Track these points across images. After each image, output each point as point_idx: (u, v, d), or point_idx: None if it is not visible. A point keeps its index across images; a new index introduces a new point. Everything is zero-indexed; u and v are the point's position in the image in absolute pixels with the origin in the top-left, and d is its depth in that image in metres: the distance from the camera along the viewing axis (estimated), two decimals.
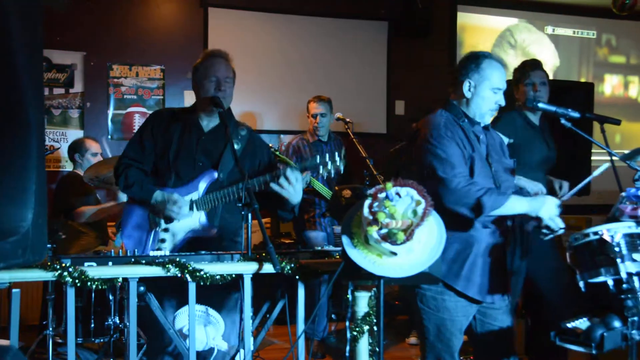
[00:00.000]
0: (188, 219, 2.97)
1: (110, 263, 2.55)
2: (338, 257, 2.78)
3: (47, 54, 5.87)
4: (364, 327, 2.64)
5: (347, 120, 4.75)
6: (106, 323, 4.00)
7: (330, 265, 2.69)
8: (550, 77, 4.00)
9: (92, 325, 3.98)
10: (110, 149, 5.96)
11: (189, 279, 2.50)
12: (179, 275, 2.50)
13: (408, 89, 7.21)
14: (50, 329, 3.71)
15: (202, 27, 6.53)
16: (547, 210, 2.60)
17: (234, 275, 2.58)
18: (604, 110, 5.74)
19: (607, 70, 8.14)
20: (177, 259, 2.53)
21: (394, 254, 2.03)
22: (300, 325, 2.72)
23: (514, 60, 7.51)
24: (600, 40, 8.10)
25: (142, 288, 2.55)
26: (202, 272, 2.50)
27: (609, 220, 2.47)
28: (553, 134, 3.96)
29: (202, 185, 2.97)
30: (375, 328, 2.59)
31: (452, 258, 2.68)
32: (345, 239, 2.16)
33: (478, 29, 7.63)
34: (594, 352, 2.23)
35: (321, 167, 2.83)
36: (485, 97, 2.77)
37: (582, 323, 2.36)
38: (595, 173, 2.67)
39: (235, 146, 2.99)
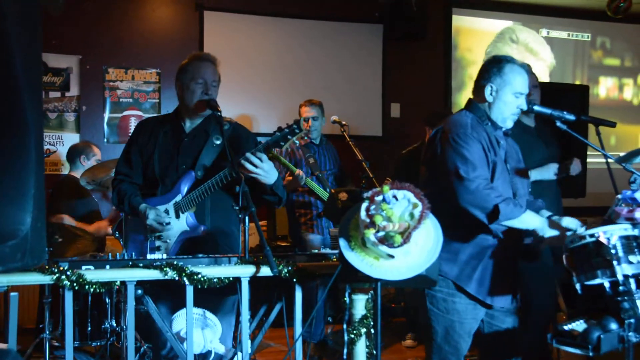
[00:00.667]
0: (177, 223, 2.98)
1: (107, 266, 2.55)
2: (335, 259, 2.78)
3: (43, 57, 5.85)
4: (361, 330, 2.64)
5: (343, 123, 4.75)
6: (103, 326, 3.99)
7: (327, 268, 2.70)
8: (546, 80, 4.02)
9: (89, 328, 3.98)
10: (106, 153, 5.94)
11: (187, 282, 2.50)
12: (177, 278, 2.50)
13: (403, 91, 7.22)
14: (47, 332, 3.70)
15: (197, 30, 6.54)
16: (552, 234, 2.61)
17: (231, 278, 2.58)
18: (599, 112, 5.75)
19: (601, 73, 8.17)
20: (175, 262, 2.53)
21: (391, 256, 2.04)
22: (298, 328, 2.72)
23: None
24: (595, 42, 8.13)
25: (139, 291, 2.55)
26: (199, 275, 2.50)
27: (605, 222, 2.47)
28: (550, 132, 3.97)
29: (184, 187, 3.00)
30: (372, 330, 2.59)
31: (465, 261, 2.68)
32: (342, 242, 2.16)
33: (473, 32, 7.65)
34: (590, 354, 2.24)
35: (282, 142, 2.80)
36: (507, 101, 2.77)
37: (578, 325, 2.37)
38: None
39: (217, 142, 3.01)
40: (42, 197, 1.32)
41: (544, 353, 3.64)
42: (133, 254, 2.88)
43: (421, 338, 4.93)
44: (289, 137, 2.80)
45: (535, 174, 3.71)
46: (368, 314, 2.65)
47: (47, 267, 2.40)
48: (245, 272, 2.59)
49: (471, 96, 2.90)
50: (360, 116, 6.89)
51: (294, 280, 2.63)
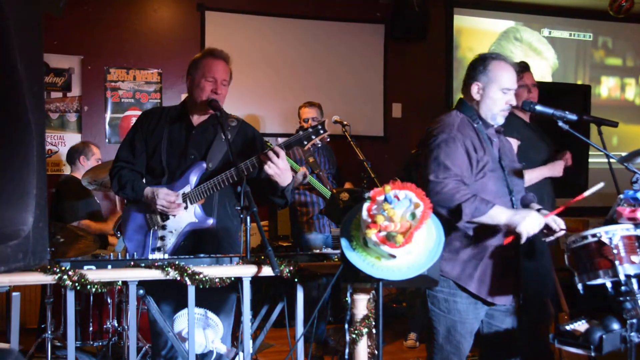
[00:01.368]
0: (184, 214, 2.97)
1: (109, 266, 2.55)
2: (337, 259, 2.78)
3: (44, 58, 5.85)
4: (362, 330, 2.64)
5: (345, 123, 4.76)
6: (104, 326, 4.00)
7: (329, 268, 2.69)
8: (548, 80, 4.02)
9: (91, 328, 3.98)
10: (108, 153, 5.94)
11: (188, 282, 2.50)
12: (178, 278, 2.50)
13: (405, 91, 7.22)
14: (49, 332, 3.71)
15: (199, 30, 6.54)
16: (527, 226, 2.54)
17: (232, 278, 2.58)
18: (601, 112, 5.75)
19: (603, 73, 8.16)
20: (176, 262, 2.53)
21: (393, 256, 2.03)
22: (300, 328, 2.72)
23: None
24: (597, 42, 8.12)
25: (141, 291, 2.55)
26: (201, 275, 2.50)
27: (607, 222, 2.47)
28: (543, 130, 3.97)
29: (194, 178, 2.99)
30: (374, 331, 2.59)
31: (466, 260, 2.69)
32: (344, 242, 2.16)
33: (474, 32, 7.65)
34: (592, 354, 2.24)
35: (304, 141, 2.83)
36: (494, 98, 2.77)
37: (580, 325, 2.36)
38: (588, 192, 2.66)
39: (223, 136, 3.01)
40: (43, 198, 1.32)
41: (542, 354, 3.63)
42: (135, 254, 2.88)
43: (423, 338, 4.94)
44: (312, 137, 2.82)
45: (545, 171, 3.71)
46: (369, 314, 2.64)
47: (49, 267, 2.40)
48: (246, 272, 2.59)
49: (461, 95, 2.91)
50: (362, 116, 6.89)
51: (296, 280, 2.63)
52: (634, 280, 2.28)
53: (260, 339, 2.92)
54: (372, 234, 2.00)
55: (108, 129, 6.31)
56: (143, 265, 2.54)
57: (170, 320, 2.75)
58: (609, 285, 2.34)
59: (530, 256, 2.98)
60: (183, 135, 3.05)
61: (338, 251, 2.75)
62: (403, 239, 2.00)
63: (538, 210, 2.76)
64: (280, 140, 6.33)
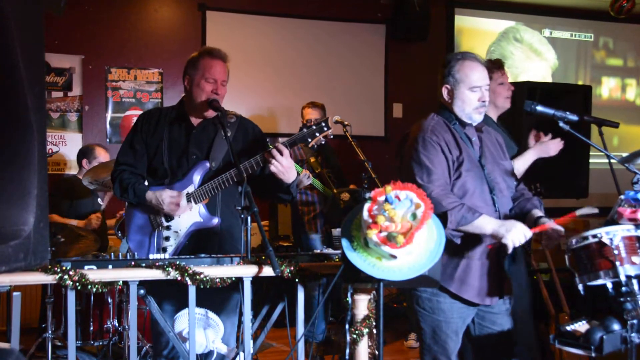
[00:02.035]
0: (188, 214, 2.97)
1: (110, 266, 2.55)
2: (337, 260, 2.78)
3: (45, 57, 5.86)
4: (363, 330, 2.64)
5: (345, 123, 4.75)
6: (105, 326, 4.00)
7: (329, 268, 2.69)
8: (548, 80, 4.00)
9: (91, 328, 3.98)
10: (109, 153, 5.94)
11: (189, 282, 2.50)
12: (179, 278, 2.50)
13: (406, 91, 7.22)
14: (50, 331, 3.71)
15: (200, 30, 6.55)
16: (512, 238, 2.53)
17: (233, 279, 2.58)
18: (602, 113, 5.74)
19: (604, 73, 8.16)
20: (177, 262, 2.53)
21: (394, 257, 2.03)
22: (300, 328, 2.72)
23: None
24: (598, 43, 8.12)
25: (142, 291, 2.55)
26: (202, 275, 2.50)
27: (608, 223, 2.47)
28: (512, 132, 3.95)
29: (197, 177, 2.98)
30: (374, 331, 2.59)
31: (446, 261, 2.68)
32: (344, 242, 2.16)
33: (475, 32, 7.65)
34: (593, 354, 2.24)
35: (309, 139, 2.84)
36: (464, 98, 2.77)
37: (581, 326, 2.36)
38: (580, 212, 2.66)
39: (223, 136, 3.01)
40: (44, 197, 1.32)
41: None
42: (136, 254, 2.87)
43: None
44: (316, 134, 2.82)
45: (532, 155, 3.67)
46: (370, 314, 2.64)
47: (49, 266, 2.40)
48: (247, 272, 2.59)
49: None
50: (363, 116, 6.89)
51: (296, 280, 2.63)
52: (634, 281, 2.28)
53: (260, 339, 2.92)
54: (373, 235, 2.00)
55: (109, 129, 6.31)
56: (144, 265, 2.54)
57: (171, 320, 2.75)
58: (609, 286, 2.33)
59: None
60: (183, 135, 3.05)
61: (339, 251, 2.75)
62: (404, 239, 2.00)
63: (539, 217, 2.75)
64: (281, 140, 6.37)
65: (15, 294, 2.49)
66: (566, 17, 7.92)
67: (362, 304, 2.64)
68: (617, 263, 2.28)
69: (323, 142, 2.90)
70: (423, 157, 2.67)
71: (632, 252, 2.30)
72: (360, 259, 2.12)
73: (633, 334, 2.23)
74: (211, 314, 2.76)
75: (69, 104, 6.19)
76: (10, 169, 1.24)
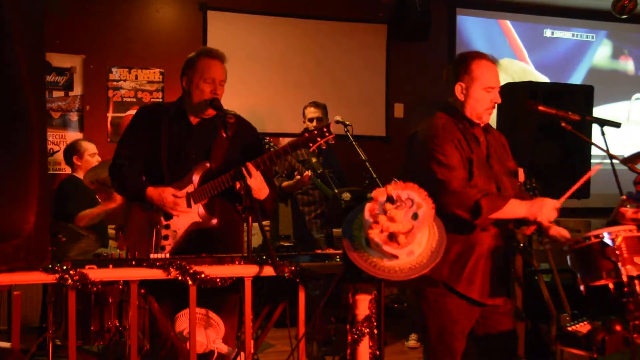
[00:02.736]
0: (187, 213, 2.97)
1: (110, 266, 2.54)
2: (339, 260, 2.77)
3: (46, 57, 5.87)
4: (364, 330, 2.63)
5: (347, 123, 4.75)
6: (106, 325, 3.99)
7: (330, 268, 2.69)
8: (550, 80, 4.00)
9: (92, 327, 3.98)
10: (110, 152, 5.94)
11: (190, 281, 2.50)
12: (180, 278, 2.50)
13: (407, 91, 7.21)
14: (50, 331, 3.71)
15: (201, 30, 6.54)
16: (546, 214, 2.57)
17: (234, 278, 2.58)
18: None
19: (606, 73, 8.15)
20: (178, 262, 2.53)
21: (395, 256, 2.03)
22: (301, 328, 2.71)
23: None
24: (600, 42, 8.11)
25: (143, 291, 2.55)
26: (203, 275, 2.50)
27: (610, 223, 2.47)
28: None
29: (196, 177, 2.97)
30: (375, 331, 2.59)
31: (454, 260, 2.68)
32: (346, 242, 2.16)
33: (476, 32, 7.63)
34: (595, 355, 2.23)
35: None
36: (478, 97, 2.76)
37: (583, 326, 2.36)
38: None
39: (223, 135, 3.01)
40: (45, 197, 1.32)
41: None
42: (136, 253, 2.87)
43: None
44: (318, 139, 2.82)
45: None
46: (371, 315, 2.64)
47: (50, 266, 2.40)
48: (248, 272, 2.59)
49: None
50: (364, 116, 6.88)
51: (297, 280, 2.63)
52: (636, 282, 2.27)
53: (261, 339, 2.92)
54: (374, 234, 2.00)
55: (110, 128, 6.30)
56: (144, 264, 2.54)
57: (171, 320, 2.75)
58: (611, 286, 2.33)
59: None
60: (182, 134, 3.04)
61: (340, 251, 2.75)
62: (405, 239, 1.99)
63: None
64: (282, 140, 6.37)
65: (15, 293, 2.49)
66: (568, 17, 7.91)
67: (363, 304, 2.63)
68: (619, 263, 2.28)
69: (324, 148, 2.90)
70: (441, 154, 2.66)
71: (634, 253, 2.30)
72: (361, 259, 2.11)
73: (635, 335, 2.23)
74: (211, 314, 2.76)
75: (70, 103, 6.19)
76: (11, 168, 1.24)
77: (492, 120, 2.93)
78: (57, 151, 6.03)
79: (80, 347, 4.10)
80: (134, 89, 6.36)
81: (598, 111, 5.87)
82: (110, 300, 3.91)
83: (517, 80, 4.35)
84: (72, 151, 5.00)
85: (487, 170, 2.76)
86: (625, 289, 2.27)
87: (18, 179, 1.26)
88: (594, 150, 3.77)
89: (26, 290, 5.18)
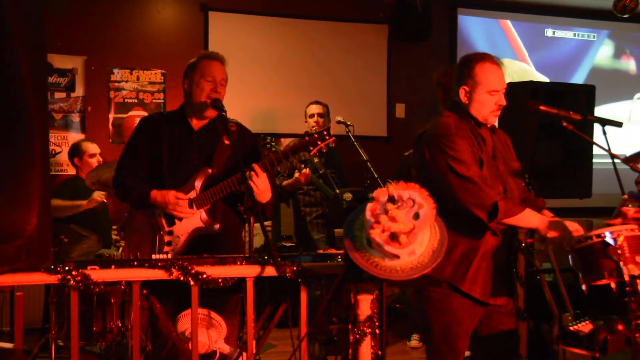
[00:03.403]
0: (190, 219, 2.97)
1: (113, 266, 2.55)
2: (340, 260, 2.77)
3: (48, 58, 5.87)
4: (366, 330, 2.63)
5: (348, 123, 4.76)
6: (108, 326, 3.99)
7: (332, 268, 2.69)
8: (550, 80, 3.99)
9: (94, 328, 3.98)
10: (112, 153, 5.95)
11: (192, 282, 2.50)
12: (182, 278, 2.50)
13: (408, 92, 7.22)
14: (53, 332, 3.71)
15: (202, 30, 6.55)
16: (555, 236, 2.57)
17: (236, 279, 2.58)
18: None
19: (607, 72, 8.14)
20: (180, 262, 2.53)
21: (396, 256, 2.03)
22: (303, 328, 2.71)
23: None
24: (601, 42, 8.10)
25: (145, 291, 2.55)
26: (204, 275, 2.50)
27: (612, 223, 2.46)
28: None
29: (198, 183, 2.98)
30: (377, 331, 2.59)
31: (458, 260, 2.68)
32: (347, 242, 2.16)
33: (478, 31, 7.63)
34: (597, 355, 2.23)
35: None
36: (482, 101, 2.75)
37: (585, 326, 2.36)
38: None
39: (227, 141, 3.01)
40: (47, 198, 1.32)
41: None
42: (138, 254, 2.87)
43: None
44: (318, 142, 2.82)
45: None
46: (373, 315, 2.64)
47: (52, 267, 2.40)
48: (250, 272, 2.59)
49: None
50: (365, 116, 6.88)
51: (299, 280, 2.63)
52: (638, 281, 2.27)
53: (263, 339, 2.92)
54: (376, 234, 2.00)
55: (111, 129, 6.31)
56: (146, 265, 2.54)
57: (173, 320, 2.75)
58: (613, 286, 2.33)
59: None
60: (183, 140, 3.05)
61: (341, 251, 2.75)
62: (406, 239, 1.99)
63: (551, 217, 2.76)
64: (283, 140, 6.37)
65: (18, 294, 2.49)
66: (569, 16, 7.90)
67: (365, 304, 2.64)
68: (621, 263, 2.28)
69: (324, 151, 2.90)
70: (457, 151, 2.65)
71: (635, 252, 2.29)
72: (363, 259, 2.11)
73: (637, 334, 2.23)
74: (213, 314, 2.76)
75: (71, 104, 6.20)
76: (13, 169, 1.24)
77: None
78: (59, 152, 6.05)
79: (83, 347, 4.11)
80: (135, 90, 6.36)
81: (600, 111, 5.86)
82: (112, 301, 3.92)
83: (517, 80, 4.33)
84: (73, 153, 5.03)
85: (495, 170, 2.76)
86: (627, 288, 2.26)
87: (19, 179, 1.26)
88: (596, 150, 3.76)
89: (29, 291, 5.19)
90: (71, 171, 5.33)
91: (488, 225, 2.60)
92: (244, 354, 2.67)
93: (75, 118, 6.21)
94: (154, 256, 2.70)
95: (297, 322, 2.71)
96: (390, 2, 7.07)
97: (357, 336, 2.60)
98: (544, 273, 4.07)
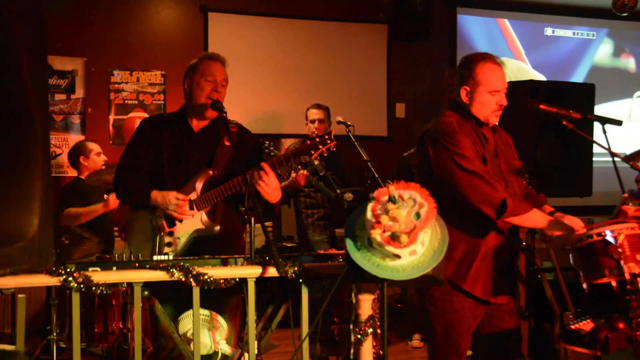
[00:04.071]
0: (190, 220, 2.97)
1: (114, 268, 2.55)
2: (341, 260, 2.78)
3: (48, 60, 5.88)
4: (367, 330, 2.64)
5: (348, 123, 4.76)
6: (110, 328, 4.00)
7: (333, 269, 2.69)
8: (551, 78, 3.99)
9: (96, 330, 3.99)
10: (112, 155, 5.95)
11: (193, 283, 2.50)
12: (183, 279, 2.50)
13: (408, 91, 7.22)
14: (54, 334, 3.72)
15: (202, 31, 6.55)
16: (558, 238, 2.57)
17: (237, 279, 2.59)
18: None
19: (607, 71, 8.14)
20: (181, 263, 2.53)
21: (397, 256, 2.03)
22: (305, 329, 2.72)
23: None
24: (601, 40, 8.10)
25: (146, 292, 2.56)
26: (206, 276, 2.50)
27: (612, 221, 2.46)
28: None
29: (199, 184, 2.98)
30: (379, 331, 2.59)
31: (460, 259, 2.68)
32: (348, 242, 2.16)
33: (478, 31, 7.63)
34: (598, 353, 2.23)
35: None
36: (483, 101, 2.76)
37: (586, 324, 2.36)
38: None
39: (227, 143, 3.01)
40: (49, 200, 1.32)
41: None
42: (140, 255, 2.87)
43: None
44: (320, 146, 2.82)
45: None
46: (374, 314, 2.64)
47: (54, 268, 2.40)
48: (251, 272, 2.59)
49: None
50: (366, 116, 6.89)
51: (300, 281, 2.63)
52: (639, 279, 2.27)
53: (264, 339, 2.92)
54: (377, 234, 2.00)
55: (112, 131, 6.32)
56: (148, 266, 2.54)
57: (174, 321, 2.75)
58: (614, 284, 2.33)
59: None
60: (183, 141, 3.05)
61: (342, 252, 2.75)
62: (407, 239, 2.00)
63: (551, 212, 2.76)
64: (284, 140, 6.37)
65: (20, 296, 2.50)
66: (569, 15, 7.91)
67: (366, 304, 2.64)
68: (622, 261, 2.28)
69: (326, 155, 2.90)
70: (461, 148, 2.64)
71: (636, 250, 2.30)
72: (364, 259, 2.11)
73: (638, 333, 2.23)
74: (215, 315, 2.76)
75: (72, 106, 6.20)
76: (14, 171, 1.25)
77: None
78: (60, 154, 6.05)
79: (84, 349, 4.11)
80: (135, 91, 6.37)
81: (599, 109, 5.86)
82: (113, 303, 3.93)
83: (513, 79, 4.33)
84: (79, 152, 5.00)
85: (497, 169, 2.76)
86: (628, 286, 2.27)
87: (21, 182, 1.27)
88: (596, 149, 3.76)
89: (30, 293, 5.19)
90: (71, 172, 5.32)
91: (495, 222, 2.60)
92: (246, 355, 2.67)
93: (76, 120, 6.22)
94: (155, 257, 2.71)
95: (299, 322, 2.71)
96: (390, 2, 7.07)
97: (359, 336, 2.60)
98: (545, 272, 4.07)
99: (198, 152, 3.03)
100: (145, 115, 6.30)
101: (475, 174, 2.58)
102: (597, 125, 3.75)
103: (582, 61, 8.03)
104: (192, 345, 2.63)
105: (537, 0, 7.70)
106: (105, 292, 2.44)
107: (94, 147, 5.04)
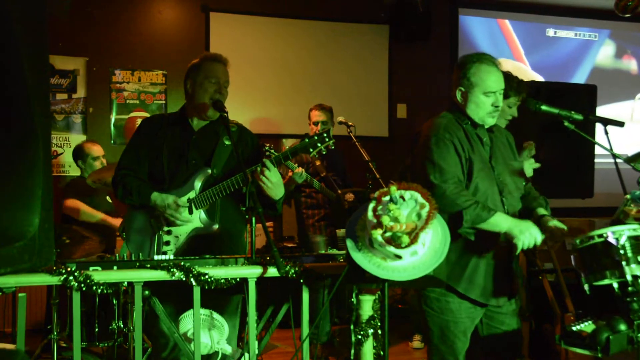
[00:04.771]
0: (189, 219, 2.97)
1: (115, 267, 2.55)
2: (342, 260, 2.77)
3: (50, 59, 5.88)
4: (368, 331, 2.63)
5: (350, 123, 4.76)
6: (110, 327, 4.00)
7: (334, 269, 2.69)
8: (550, 79, 3.98)
9: (97, 329, 3.98)
10: (113, 154, 5.95)
11: (194, 283, 2.50)
12: (184, 279, 2.50)
13: (409, 92, 7.22)
14: (55, 333, 3.72)
15: (203, 31, 6.56)
16: (524, 240, 2.55)
17: (238, 279, 2.58)
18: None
19: (609, 72, 8.14)
20: (182, 263, 2.53)
21: (399, 257, 2.03)
22: (305, 329, 2.71)
23: None
24: (603, 41, 8.10)
25: (146, 292, 2.56)
26: (206, 276, 2.50)
27: (614, 222, 2.46)
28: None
29: (198, 183, 2.98)
30: (379, 331, 2.59)
31: (455, 260, 2.68)
32: (349, 243, 2.16)
33: (479, 31, 7.63)
34: (599, 355, 2.23)
35: (310, 148, 2.84)
36: (478, 102, 2.75)
37: (587, 326, 2.36)
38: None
39: (227, 142, 3.01)
40: (49, 199, 1.32)
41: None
42: (140, 254, 2.87)
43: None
44: (318, 145, 2.82)
45: None
46: (375, 315, 2.64)
47: (54, 268, 2.40)
48: (252, 272, 2.59)
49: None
50: (367, 117, 6.89)
51: (301, 281, 2.63)
52: None
53: (265, 339, 2.92)
54: (378, 235, 2.00)
55: (113, 130, 6.32)
56: (148, 266, 2.54)
57: (174, 321, 2.75)
58: (615, 285, 2.33)
59: None
60: (184, 140, 3.05)
61: (343, 252, 2.75)
62: (408, 239, 1.99)
63: (542, 216, 2.75)
64: (286, 141, 6.37)
65: (20, 295, 2.50)
66: (570, 16, 7.90)
67: (367, 305, 2.64)
68: (624, 263, 2.27)
69: (324, 153, 2.90)
70: (436, 156, 2.66)
71: (638, 252, 2.29)
72: (365, 260, 2.11)
73: (639, 334, 2.22)
74: (215, 315, 2.76)
75: (73, 105, 6.21)
76: (15, 171, 1.24)
77: None
78: (61, 153, 6.05)
79: (85, 348, 4.11)
80: (137, 90, 6.37)
81: (601, 110, 5.86)
82: (114, 302, 3.92)
83: None
84: (77, 155, 5.03)
85: (489, 171, 2.75)
86: (630, 288, 2.26)
87: (22, 181, 1.26)
88: (598, 150, 3.76)
89: (31, 292, 5.20)
90: (73, 172, 5.33)
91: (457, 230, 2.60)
92: (246, 355, 2.67)
93: (77, 119, 6.22)
94: (156, 257, 2.71)
95: (299, 322, 2.71)
96: (390, 2, 7.07)
97: (360, 336, 2.60)
98: (546, 273, 4.07)
99: (197, 151, 3.03)
100: (147, 114, 6.30)
101: (438, 186, 2.58)
102: (599, 127, 3.75)
103: (583, 62, 8.02)
104: (192, 345, 2.62)
105: (538, 1, 7.70)
106: (106, 291, 2.44)
107: (93, 151, 5.04)
